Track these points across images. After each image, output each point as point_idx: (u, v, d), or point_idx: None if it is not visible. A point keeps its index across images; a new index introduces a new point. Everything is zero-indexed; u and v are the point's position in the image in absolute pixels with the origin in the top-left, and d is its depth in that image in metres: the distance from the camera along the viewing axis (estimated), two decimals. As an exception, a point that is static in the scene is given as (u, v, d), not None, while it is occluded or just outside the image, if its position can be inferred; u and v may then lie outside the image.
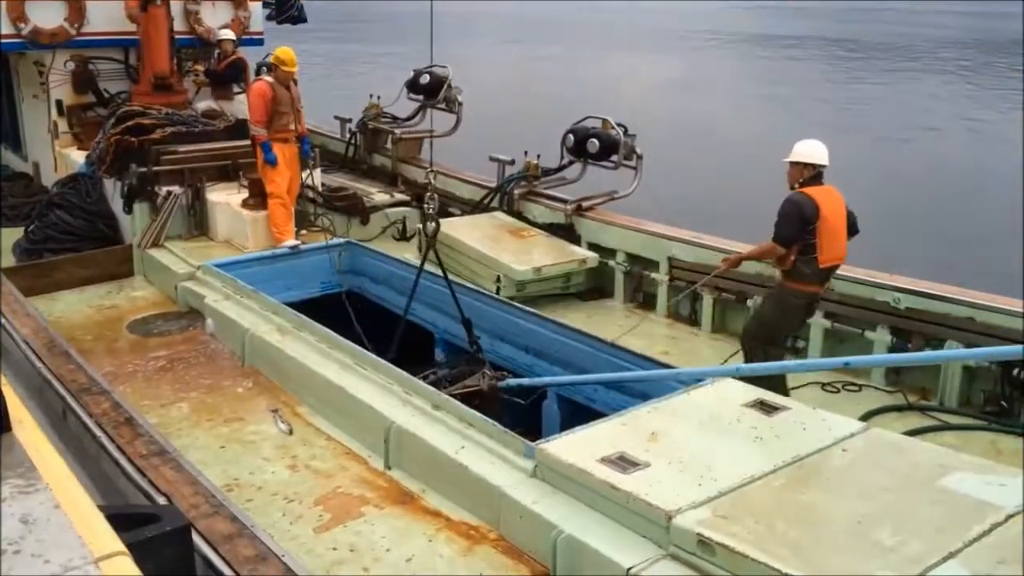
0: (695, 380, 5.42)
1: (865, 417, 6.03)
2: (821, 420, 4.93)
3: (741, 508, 3.94)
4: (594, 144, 9.00)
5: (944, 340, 6.38)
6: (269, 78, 8.80)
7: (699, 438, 4.65)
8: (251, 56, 11.86)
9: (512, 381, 6.15)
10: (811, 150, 6.16)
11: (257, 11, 12.33)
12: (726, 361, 6.96)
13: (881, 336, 6.70)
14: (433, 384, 5.92)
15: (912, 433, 5.81)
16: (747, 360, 6.31)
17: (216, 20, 11.81)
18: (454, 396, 5.51)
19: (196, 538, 3.49)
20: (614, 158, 8.97)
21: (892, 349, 6.70)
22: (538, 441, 4.67)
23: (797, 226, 5.99)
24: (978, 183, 18.45)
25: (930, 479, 4.20)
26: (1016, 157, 20.27)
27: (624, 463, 4.33)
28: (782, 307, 6.35)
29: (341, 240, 9.09)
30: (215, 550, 3.62)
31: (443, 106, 11.13)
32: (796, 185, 6.17)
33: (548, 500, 4.38)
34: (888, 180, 17.37)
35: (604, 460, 4.36)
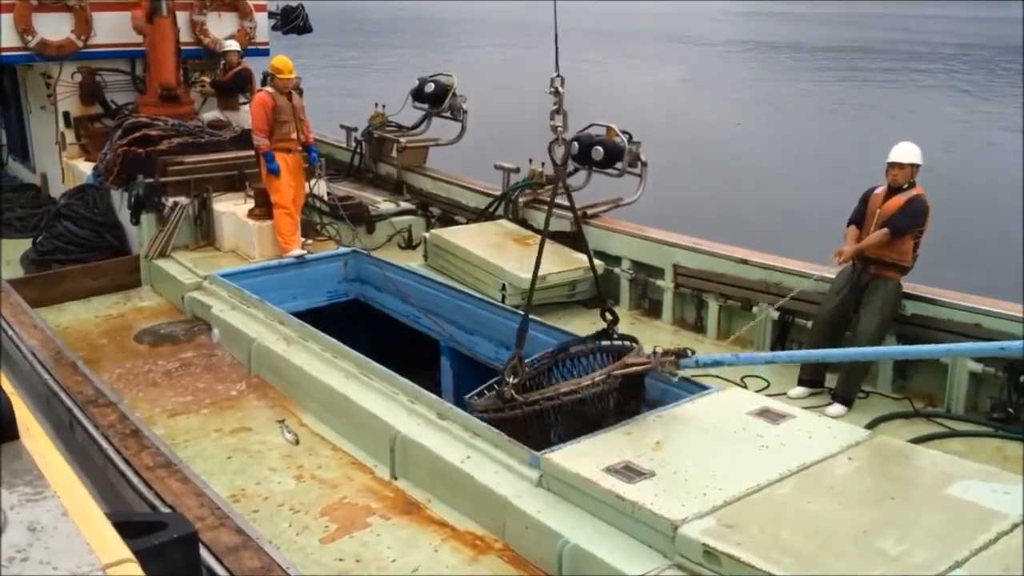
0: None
1: (871, 424, 6.02)
2: (827, 428, 4.93)
3: (747, 517, 3.94)
4: (599, 151, 9.00)
5: (950, 346, 6.35)
6: (269, 88, 8.85)
7: (704, 447, 4.65)
8: (257, 66, 11.91)
9: (693, 359, 5.05)
10: (918, 152, 6.52)
11: (262, 21, 12.39)
12: (742, 380, 6.94)
13: (887, 342, 6.67)
14: (577, 355, 5.69)
15: (918, 440, 5.79)
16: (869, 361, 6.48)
17: (222, 31, 11.86)
18: (612, 376, 5.09)
19: (202, 550, 3.50)
20: (619, 165, 8.98)
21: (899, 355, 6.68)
22: (543, 451, 4.67)
23: (919, 225, 6.42)
24: (978, 187, 18.46)
25: (936, 487, 4.19)
26: (1016, 159, 20.27)
27: (629, 472, 4.34)
28: (895, 304, 6.50)
29: (347, 249, 9.12)
30: (221, 562, 3.63)
31: (448, 114, 11.17)
32: (907, 185, 6.45)
33: (554, 509, 4.39)
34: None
35: (609, 469, 4.36)
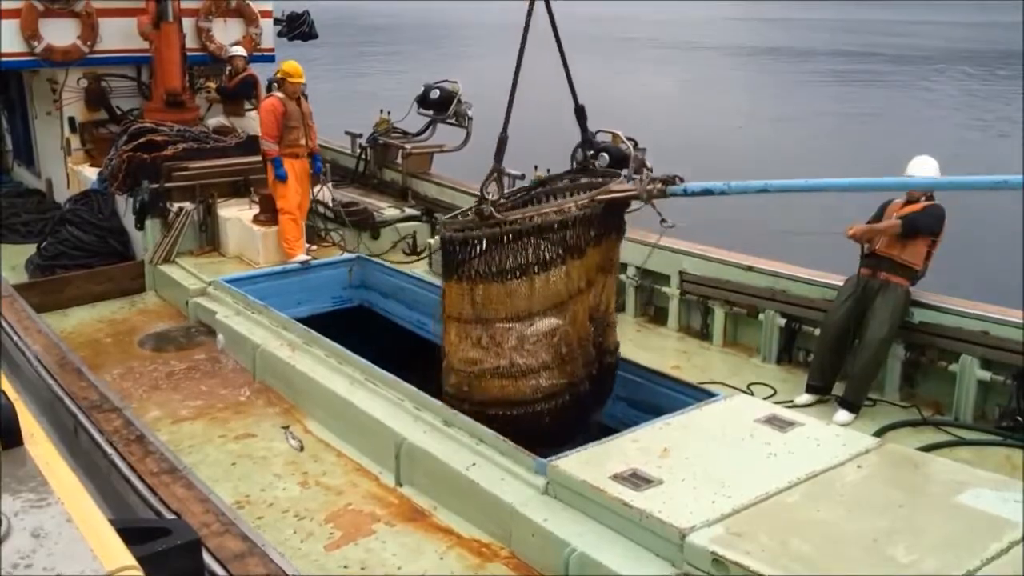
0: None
1: (879, 432, 5.99)
2: (835, 435, 4.90)
3: (755, 525, 3.91)
4: (604, 158, 8.99)
5: (959, 354, 6.33)
6: (279, 94, 8.85)
7: (712, 454, 4.62)
8: (262, 72, 11.92)
9: (683, 186, 4.79)
10: (935, 165, 6.48)
11: (268, 28, 12.41)
12: (749, 387, 6.93)
13: (895, 349, 6.64)
14: (556, 192, 5.42)
15: (927, 448, 5.76)
16: (877, 367, 6.48)
17: (227, 37, 11.88)
18: (595, 202, 4.92)
19: (207, 557, 3.48)
20: (624, 172, 8.95)
21: (906, 363, 6.65)
22: (550, 458, 4.64)
23: (936, 231, 6.37)
24: (978, 191, 18.40)
25: (946, 495, 4.16)
26: (1016, 160, 20.25)
27: (637, 480, 4.31)
28: (904, 311, 6.46)
29: (352, 255, 9.11)
30: (226, 569, 3.60)
31: (453, 121, 11.16)
32: (924, 198, 6.43)
33: (560, 517, 4.36)
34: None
35: (616, 477, 4.34)
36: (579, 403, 5.24)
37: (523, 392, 5.04)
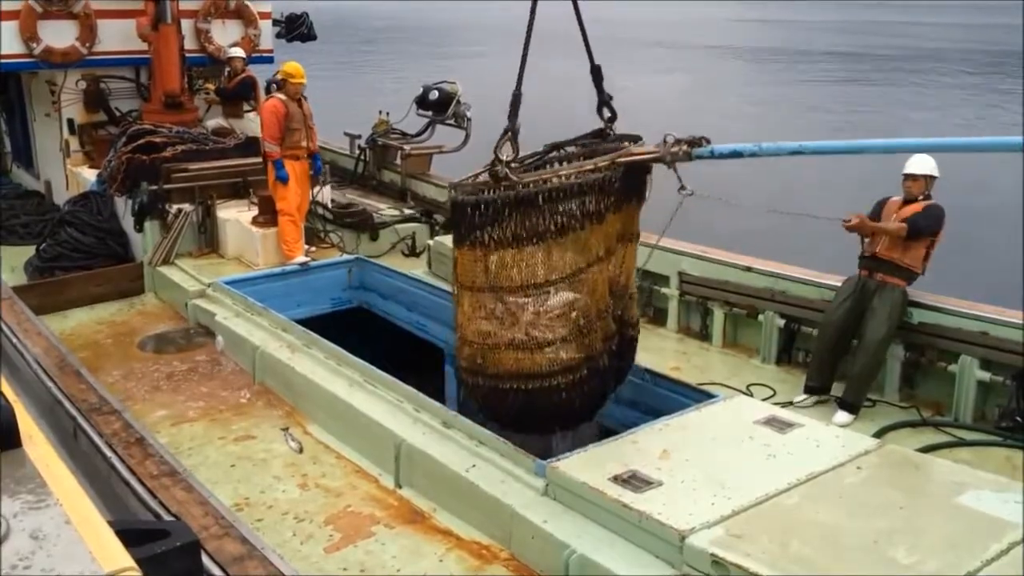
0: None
1: (879, 433, 5.99)
2: (835, 437, 4.90)
3: (755, 527, 3.91)
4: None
5: (958, 354, 6.33)
6: (281, 95, 8.84)
7: (712, 456, 4.62)
8: (261, 74, 11.92)
9: (709, 148, 4.50)
10: (933, 163, 6.50)
11: (267, 29, 12.41)
12: (748, 388, 6.93)
13: (894, 350, 6.65)
14: (570, 157, 5.09)
15: (926, 449, 5.76)
16: (876, 368, 6.49)
17: (226, 38, 11.88)
18: (613, 167, 4.63)
19: (206, 560, 3.48)
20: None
21: (906, 364, 6.65)
22: (549, 460, 4.64)
23: (936, 230, 6.39)
24: (979, 194, 18.40)
25: (946, 496, 4.16)
26: (1017, 162, 20.21)
27: (636, 481, 4.31)
28: (902, 312, 6.47)
29: (351, 256, 9.11)
30: (225, 572, 3.60)
31: (452, 122, 11.17)
32: (921, 197, 6.46)
33: (560, 519, 4.35)
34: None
35: (616, 478, 4.33)
36: (598, 377, 4.97)
37: (539, 365, 4.77)
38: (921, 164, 6.45)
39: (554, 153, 5.33)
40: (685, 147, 4.43)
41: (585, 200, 4.62)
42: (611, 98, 5.24)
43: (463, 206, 4.77)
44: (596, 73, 5.27)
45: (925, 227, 6.35)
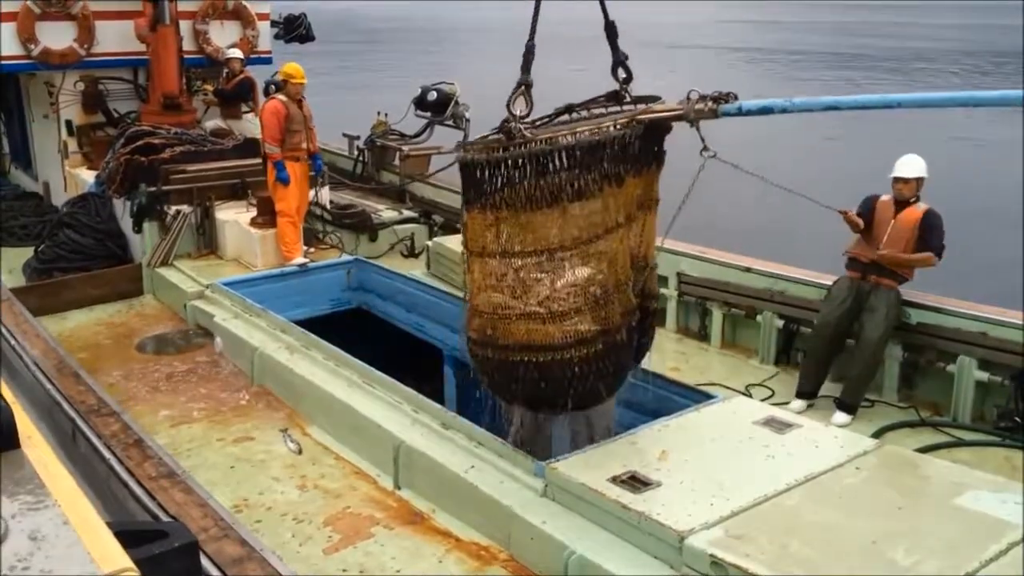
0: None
1: (877, 433, 5.99)
2: (833, 437, 4.90)
3: (754, 528, 3.91)
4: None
5: (956, 355, 6.33)
6: (282, 96, 8.85)
7: (710, 456, 4.62)
8: (259, 75, 11.93)
9: (737, 104, 4.22)
10: (923, 165, 6.49)
11: (265, 30, 12.41)
12: (747, 389, 6.92)
13: (892, 350, 6.65)
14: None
15: (925, 449, 5.76)
16: (875, 367, 6.49)
17: (224, 39, 11.89)
18: (635, 122, 4.34)
19: (205, 562, 3.47)
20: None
21: (905, 364, 6.65)
22: (548, 460, 4.64)
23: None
24: (980, 194, 18.45)
25: (945, 497, 4.16)
26: (1016, 164, 20.26)
27: (635, 482, 4.31)
28: (899, 312, 6.47)
29: (350, 257, 9.11)
30: (224, 573, 3.60)
31: (450, 123, 11.17)
32: (913, 199, 6.46)
33: (559, 520, 4.35)
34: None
35: (615, 479, 4.33)
36: (614, 353, 4.64)
37: (551, 337, 4.47)
38: (911, 167, 6.45)
39: (566, 117, 4.96)
40: (711, 103, 4.16)
41: (604, 160, 4.33)
42: (627, 57, 4.86)
43: (473, 165, 4.46)
44: (610, 29, 4.91)
45: (944, 245, 6.42)
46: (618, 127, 4.37)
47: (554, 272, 4.43)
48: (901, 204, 6.49)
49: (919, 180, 6.46)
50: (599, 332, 4.53)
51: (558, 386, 4.54)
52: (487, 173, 4.41)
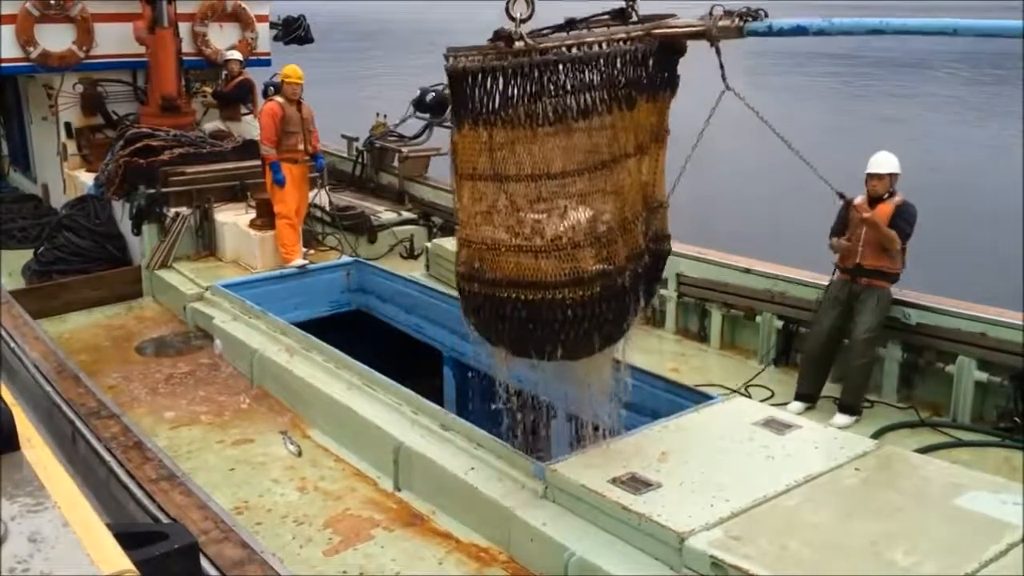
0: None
1: (877, 434, 5.99)
2: (833, 438, 4.90)
3: (754, 528, 3.91)
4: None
5: (956, 355, 6.34)
6: (280, 98, 8.85)
7: (710, 457, 4.62)
8: (258, 77, 11.92)
9: (767, 22, 3.76)
10: (896, 161, 6.53)
11: (264, 32, 12.41)
12: (747, 390, 6.93)
13: (892, 351, 6.66)
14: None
15: (925, 450, 5.76)
16: (868, 366, 6.46)
17: (223, 41, 11.89)
18: (650, 37, 3.92)
19: (206, 564, 3.47)
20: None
21: (904, 365, 6.65)
22: (548, 461, 4.64)
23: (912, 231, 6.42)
24: (979, 195, 18.47)
25: (945, 498, 4.16)
26: (1016, 164, 20.27)
27: (635, 483, 4.31)
28: (887, 308, 6.48)
29: (349, 259, 9.11)
30: None
31: (450, 124, 11.16)
32: (887, 194, 6.47)
33: (559, 521, 4.35)
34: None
35: (615, 480, 4.33)
36: (614, 298, 4.18)
37: (543, 272, 4.03)
38: (884, 163, 6.49)
39: (572, 27, 4.32)
40: (737, 20, 3.75)
41: (614, 76, 3.89)
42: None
43: (464, 75, 3.93)
44: None
45: (911, 231, 6.41)
46: (631, 39, 3.92)
47: (552, 201, 4.00)
48: (875, 201, 6.49)
49: (892, 176, 6.49)
50: (599, 273, 4.09)
51: (547, 330, 4.12)
52: (480, 84, 3.92)
